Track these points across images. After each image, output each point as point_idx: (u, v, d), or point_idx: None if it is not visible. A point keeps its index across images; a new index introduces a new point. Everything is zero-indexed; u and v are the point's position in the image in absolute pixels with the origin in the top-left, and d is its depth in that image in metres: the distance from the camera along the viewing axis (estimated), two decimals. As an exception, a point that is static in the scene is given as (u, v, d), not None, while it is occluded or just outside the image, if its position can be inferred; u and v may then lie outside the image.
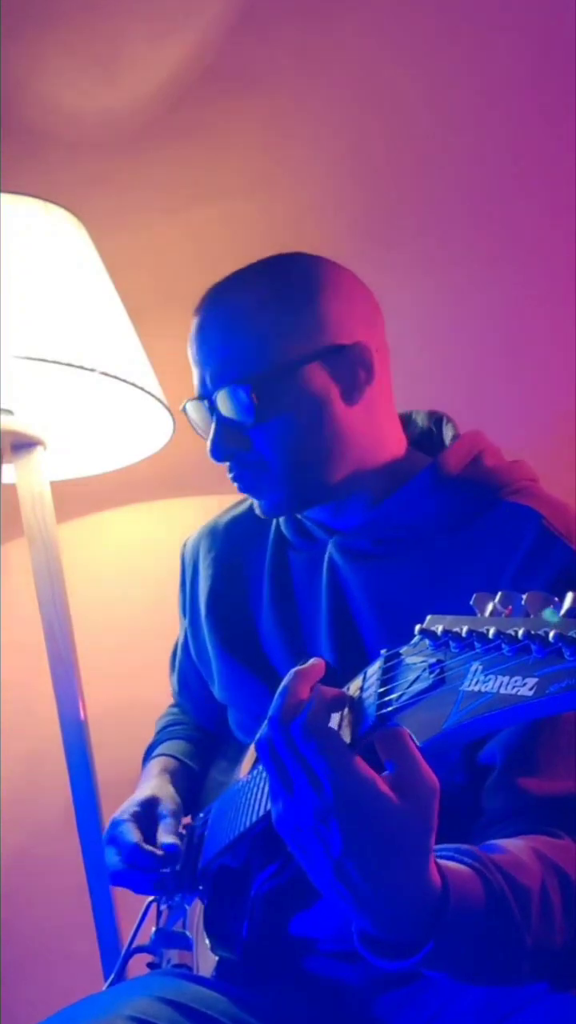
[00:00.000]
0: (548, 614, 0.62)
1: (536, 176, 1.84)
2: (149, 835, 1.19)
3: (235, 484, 1.16)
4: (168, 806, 1.23)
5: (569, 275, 1.80)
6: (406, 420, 1.22)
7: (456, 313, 1.88)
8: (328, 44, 1.85)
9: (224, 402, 1.10)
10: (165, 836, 1.18)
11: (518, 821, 0.94)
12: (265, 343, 1.09)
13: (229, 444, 1.11)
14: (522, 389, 1.86)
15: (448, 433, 1.19)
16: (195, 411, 1.16)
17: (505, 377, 1.86)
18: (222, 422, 1.11)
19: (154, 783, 1.28)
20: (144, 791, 1.26)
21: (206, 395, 1.13)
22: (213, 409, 1.12)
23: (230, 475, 1.15)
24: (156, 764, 1.34)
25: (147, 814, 1.22)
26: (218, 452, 1.12)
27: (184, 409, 1.17)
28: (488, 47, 1.82)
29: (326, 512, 1.17)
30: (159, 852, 1.16)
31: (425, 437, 1.21)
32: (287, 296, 1.11)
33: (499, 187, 1.85)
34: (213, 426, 1.12)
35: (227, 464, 1.14)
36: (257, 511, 1.18)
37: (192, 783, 1.33)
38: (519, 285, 1.85)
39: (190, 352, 1.15)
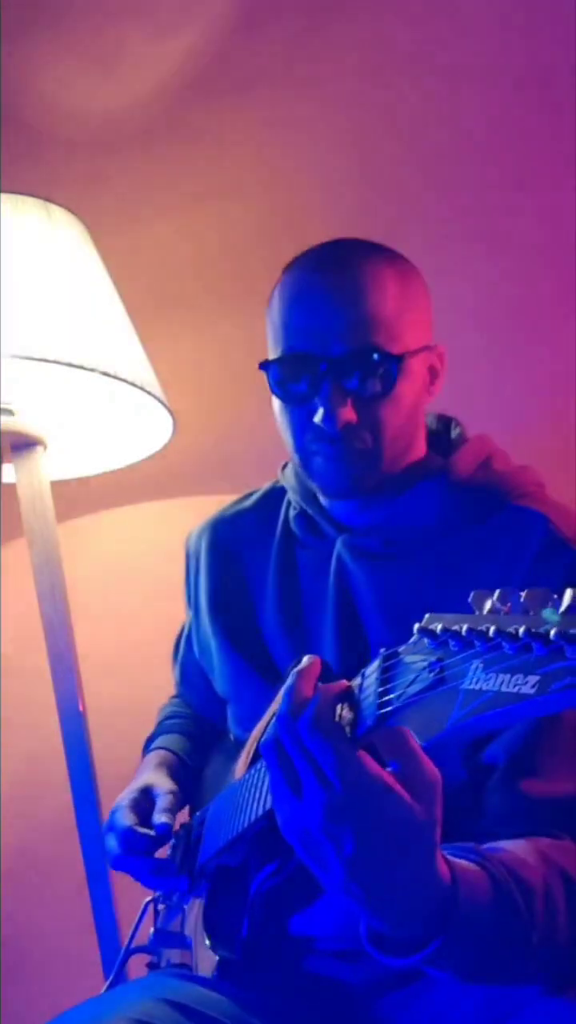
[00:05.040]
0: (547, 612, 0.62)
1: (537, 177, 1.84)
2: (146, 820, 1.19)
3: (314, 457, 1.11)
4: (165, 789, 1.24)
5: (570, 275, 1.80)
6: None
7: (456, 313, 1.88)
8: (327, 44, 1.85)
9: (368, 367, 1.06)
10: (158, 816, 1.19)
11: (519, 823, 0.95)
12: (404, 322, 1.09)
13: (346, 414, 1.07)
14: (523, 391, 1.85)
15: (455, 436, 1.20)
16: (291, 368, 1.09)
17: (505, 378, 1.86)
18: (342, 389, 1.07)
19: (151, 774, 1.29)
20: (142, 780, 1.27)
21: (328, 356, 1.07)
22: (331, 373, 1.06)
23: (314, 446, 1.10)
24: (154, 757, 1.34)
25: (145, 799, 1.23)
26: (336, 421, 1.06)
27: (276, 362, 1.11)
28: (488, 47, 1.82)
29: (351, 505, 1.17)
30: (151, 833, 1.16)
31: (434, 439, 1.22)
32: (412, 282, 1.14)
33: (500, 189, 1.85)
34: (331, 391, 1.06)
35: (313, 433, 1.10)
36: (304, 497, 1.19)
37: (188, 779, 1.33)
38: (521, 287, 1.85)
39: (305, 307, 1.09)
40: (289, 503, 1.26)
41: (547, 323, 1.84)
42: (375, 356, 1.06)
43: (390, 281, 1.09)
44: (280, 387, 1.11)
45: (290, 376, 1.10)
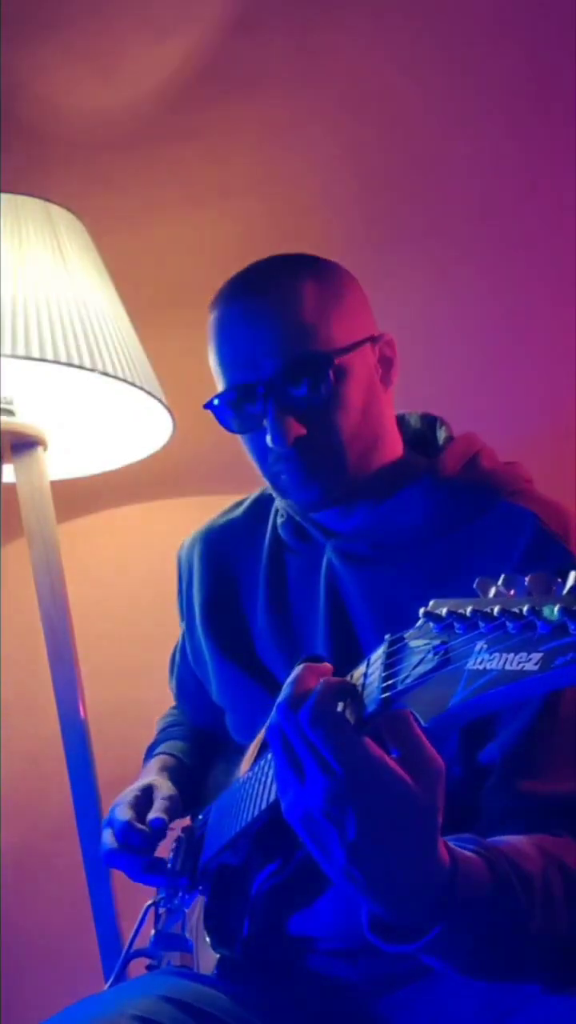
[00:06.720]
0: (551, 594, 0.61)
1: (535, 175, 1.85)
2: (144, 818, 1.19)
3: (279, 477, 1.11)
4: (164, 791, 1.24)
5: (570, 274, 1.80)
6: (400, 421, 1.22)
7: (455, 313, 1.89)
8: (326, 44, 1.86)
9: (297, 381, 1.07)
10: (153, 813, 1.19)
11: (518, 822, 0.94)
12: (329, 323, 1.09)
13: (293, 429, 1.07)
14: (522, 389, 1.86)
15: (442, 435, 1.19)
16: (234, 401, 1.11)
17: (505, 377, 1.86)
18: (284, 406, 1.07)
19: (155, 776, 1.29)
20: (144, 780, 1.27)
21: (262, 379, 1.08)
22: (270, 394, 1.07)
23: (276, 467, 1.11)
24: (156, 762, 1.34)
25: (145, 798, 1.23)
26: (284, 438, 1.07)
27: (218, 400, 1.12)
28: (485, 45, 1.84)
29: (334, 512, 1.16)
30: (146, 829, 1.17)
31: (419, 439, 1.21)
32: (332, 283, 1.12)
33: (498, 186, 1.86)
34: (274, 411, 1.07)
35: (273, 456, 1.10)
36: (291, 509, 1.18)
37: (191, 782, 1.32)
38: (518, 285, 1.86)
39: (230, 340, 1.11)
40: (277, 510, 1.26)
41: (548, 323, 1.84)
42: (305, 363, 1.07)
43: (305, 288, 1.09)
44: (230, 422, 1.13)
45: (235, 409, 1.11)
